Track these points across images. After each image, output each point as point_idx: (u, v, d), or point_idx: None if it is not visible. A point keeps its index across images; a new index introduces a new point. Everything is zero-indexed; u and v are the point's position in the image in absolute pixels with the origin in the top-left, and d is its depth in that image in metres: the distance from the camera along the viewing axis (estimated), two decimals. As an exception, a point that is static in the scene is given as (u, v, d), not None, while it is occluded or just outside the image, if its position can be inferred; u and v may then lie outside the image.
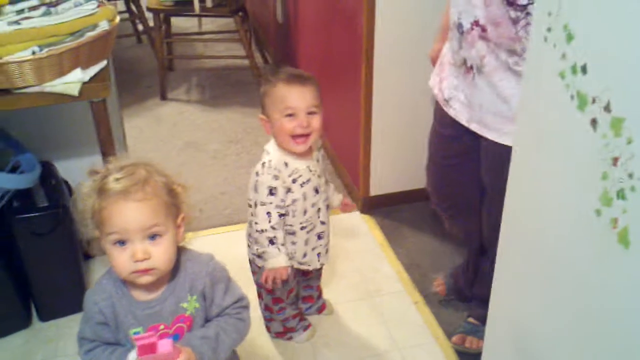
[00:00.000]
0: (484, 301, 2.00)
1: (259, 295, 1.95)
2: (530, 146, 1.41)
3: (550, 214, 1.35)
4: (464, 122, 1.72)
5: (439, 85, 1.81)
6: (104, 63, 1.75)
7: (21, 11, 1.60)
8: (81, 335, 1.33)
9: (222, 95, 3.75)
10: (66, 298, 2.08)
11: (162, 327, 1.30)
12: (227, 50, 4.24)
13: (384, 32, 2.31)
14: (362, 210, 2.66)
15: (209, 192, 2.80)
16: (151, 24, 3.98)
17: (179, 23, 4.41)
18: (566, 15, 1.22)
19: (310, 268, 1.88)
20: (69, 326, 2.06)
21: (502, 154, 1.60)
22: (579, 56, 1.19)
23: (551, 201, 1.34)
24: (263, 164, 1.70)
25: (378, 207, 2.66)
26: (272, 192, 1.68)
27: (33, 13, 1.61)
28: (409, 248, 2.46)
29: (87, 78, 1.68)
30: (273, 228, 1.70)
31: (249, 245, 1.84)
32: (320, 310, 2.12)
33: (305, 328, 2.03)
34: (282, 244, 1.72)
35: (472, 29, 1.59)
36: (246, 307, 1.40)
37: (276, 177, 1.68)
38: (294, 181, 1.70)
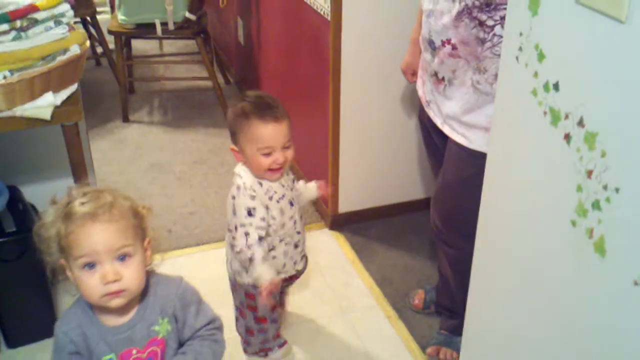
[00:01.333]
0: (450, 311, 2.06)
1: (241, 314, 1.93)
2: (504, 160, 1.46)
3: (526, 225, 1.39)
4: (438, 124, 1.84)
5: (422, 87, 1.92)
6: (74, 87, 1.74)
7: (-9, 35, 1.59)
8: None
9: (185, 116, 3.74)
10: (35, 324, 2.04)
11: (134, 351, 1.29)
12: (188, 72, 4.24)
13: (350, 51, 2.36)
14: (331, 227, 2.68)
15: (178, 213, 2.78)
16: (111, 46, 3.96)
17: (139, 45, 4.39)
18: (537, 36, 1.27)
19: (288, 275, 1.88)
20: (39, 352, 2.02)
21: (463, 156, 1.76)
22: (551, 74, 1.25)
23: (526, 213, 1.38)
24: (238, 187, 1.72)
25: (347, 224, 2.69)
26: (250, 212, 1.70)
27: (3, 37, 1.59)
28: (380, 263, 2.49)
29: (58, 102, 1.67)
30: (249, 247, 1.69)
31: (230, 263, 1.85)
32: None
33: (281, 345, 2.03)
34: (262, 258, 1.71)
35: (444, 46, 1.66)
36: (219, 328, 1.39)
37: (253, 197, 1.70)
38: (270, 198, 1.73)
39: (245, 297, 1.86)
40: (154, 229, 1.31)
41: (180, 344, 1.35)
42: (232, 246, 1.77)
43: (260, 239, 1.70)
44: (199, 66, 4.22)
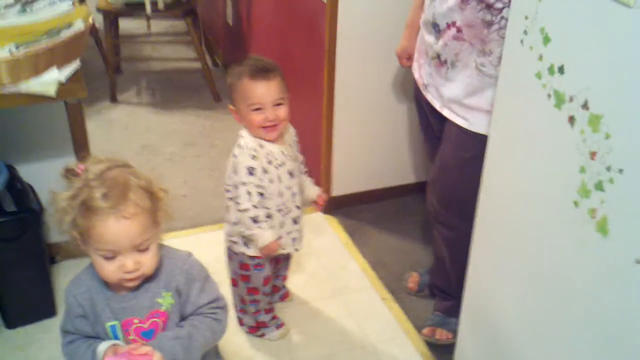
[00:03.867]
0: (445, 292, 2.09)
1: (234, 283, 1.96)
2: (507, 142, 1.49)
3: (528, 206, 1.43)
4: (437, 107, 1.85)
5: (419, 71, 1.93)
6: (78, 63, 1.73)
7: (-5, 10, 1.57)
8: (63, 328, 1.33)
9: (173, 98, 3.72)
10: (34, 304, 2.04)
11: (136, 320, 1.31)
12: (174, 52, 4.21)
13: (346, 33, 2.37)
14: (324, 211, 2.70)
15: (170, 195, 2.77)
16: (98, 25, 3.92)
17: (125, 25, 4.34)
18: (543, 19, 1.29)
19: (285, 252, 1.91)
20: (38, 332, 2.03)
21: (464, 138, 1.79)
22: (556, 57, 1.27)
23: (529, 194, 1.41)
24: (239, 145, 1.76)
25: (340, 207, 2.71)
26: (251, 172, 1.74)
27: (9, 11, 1.58)
28: (373, 246, 2.52)
29: (63, 78, 1.66)
30: (254, 207, 1.75)
31: (227, 233, 1.87)
32: (283, 297, 2.18)
33: (279, 326, 2.06)
34: (265, 221, 1.76)
35: (449, 28, 1.68)
36: (222, 307, 1.40)
37: (254, 157, 1.74)
38: (269, 162, 1.76)
39: (240, 267, 1.89)
40: (167, 205, 1.30)
41: (183, 319, 1.36)
42: (227, 208, 1.80)
43: (261, 195, 1.75)
44: (186, 47, 4.19)
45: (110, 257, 1.22)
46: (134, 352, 1.23)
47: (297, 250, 1.95)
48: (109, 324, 1.30)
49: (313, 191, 1.97)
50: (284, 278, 2.15)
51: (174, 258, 1.35)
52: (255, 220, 1.75)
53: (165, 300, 1.32)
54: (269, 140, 1.77)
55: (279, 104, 1.74)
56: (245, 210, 1.74)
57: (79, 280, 1.32)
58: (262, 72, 1.72)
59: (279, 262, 2.01)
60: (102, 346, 1.27)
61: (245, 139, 1.77)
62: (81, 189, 1.21)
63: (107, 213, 1.18)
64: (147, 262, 1.25)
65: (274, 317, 2.06)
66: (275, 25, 3.08)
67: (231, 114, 1.81)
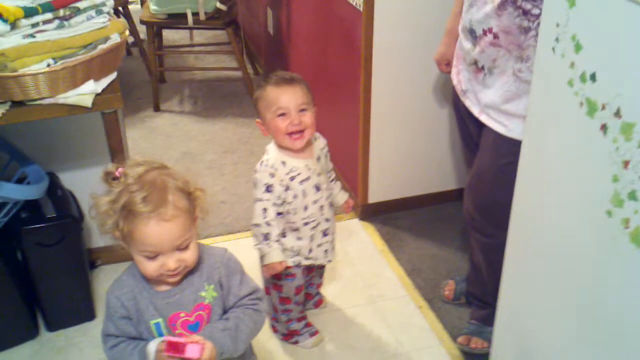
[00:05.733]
0: (482, 301, 2.07)
1: (267, 292, 1.98)
2: (539, 150, 1.46)
3: (560, 215, 1.40)
4: (475, 113, 1.85)
5: (457, 77, 1.92)
6: (114, 75, 1.78)
7: (36, 24, 1.62)
8: (105, 332, 1.36)
9: (214, 106, 3.77)
10: (73, 307, 2.10)
11: (182, 314, 1.35)
12: (217, 62, 4.28)
13: (382, 42, 2.37)
14: (361, 217, 2.70)
15: (209, 201, 2.81)
16: (142, 36, 4.02)
17: (169, 35, 4.44)
18: (574, 26, 1.27)
19: (317, 263, 1.92)
20: (78, 335, 2.08)
21: (501, 144, 1.78)
22: (587, 65, 1.25)
23: (561, 203, 1.39)
24: (261, 162, 1.79)
25: (376, 214, 2.70)
26: (268, 189, 1.76)
27: (47, 26, 1.63)
28: (410, 254, 2.50)
29: (99, 90, 1.71)
30: (268, 224, 1.77)
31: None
32: (316, 304, 2.19)
33: (312, 334, 2.07)
34: (277, 240, 1.78)
35: (485, 35, 1.67)
36: (261, 299, 1.45)
37: (272, 175, 1.76)
38: (292, 179, 1.77)
39: (272, 276, 1.91)
40: (204, 203, 1.34)
41: (224, 311, 1.40)
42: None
43: (279, 214, 1.77)
44: (228, 56, 4.26)
45: (153, 257, 1.26)
46: (188, 341, 1.26)
47: (329, 261, 1.96)
48: (153, 321, 1.34)
49: (341, 197, 1.98)
50: (318, 286, 2.15)
51: (213, 253, 1.40)
52: (266, 237, 1.77)
53: (209, 293, 1.36)
54: (295, 152, 1.78)
55: (303, 109, 1.75)
56: (257, 225, 1.78)
57: (121, 282, 1.36)
58: (285, 80, 1.76)
59: (312, 271, 2.02)
60: (153, 344, 1.30)
61: (269, 155, 1.79)
62: (121, 193, 1.24)
63: (147, 217, 1.22)
64: (188, 258, 1.29)
65: (307, 325, 2.07)
66: (313, 35, 3.10)
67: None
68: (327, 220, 1.88)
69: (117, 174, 1.27)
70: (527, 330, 1.60)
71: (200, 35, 4.60)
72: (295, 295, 1.95)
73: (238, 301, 1.40)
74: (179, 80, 4.11)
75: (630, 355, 1.23)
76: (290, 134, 1.74)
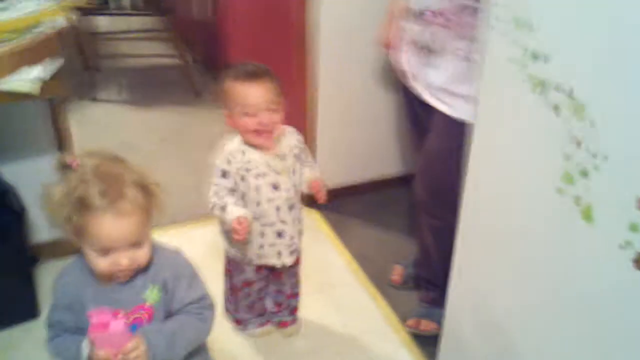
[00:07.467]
0: (430, 283, 2.10)
1: (224, 274, 1.96)
2: (490, 130, 1.48)
3: (512, 194, 1.43)
4: (424, 96, 1.86)
5: (407, 61, 1.92)
6: (61, 60, 1.70)
7: (-23, 6, 1.54)
8: (48, 322, 1.32)
9: (151, 95, 3.69)
10: (16, 306, 2.01)
11: (121, 313, 1.28)
12: (152, 49, 4.17)
13: (327, 25, 2.36)
14: (308, 204, 2.69)
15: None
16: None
17: (101, 23, 4.30)
18: (526, 7, 1.29)
19: (269, 263, 1.87)
20: (19, 335, 1.99)
21: (450, 126, 1.79)
22: (540, 46, 1.27)
23: (512, 181, 1.41)
24: (223, 148, 1.75)
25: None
26: (224, 174, 1.73)
27: (-16, 8, 1.55)
28: (357, 240, 2.51)
29: (47, 76, 1.63)
30: (221, 198, 1.72)
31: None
32: (281, 324, 2.07)
33: (262, 324, 2.04)
34: (233, 204, 1.71)
35: (434, 16, 1.68)
36: (208, 307, 1.38)
37: (229, 162, 1.73)
38: (247, 170, 1.73)
39: (226, 261, 1.90)
40: (160, 199, 1.28)
41: (168, 316, 1.34)
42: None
43: (232, 190, 1.73)
44: (162, 43, 4.16)
45: (105, 253, 1.20)
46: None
47: (284, 264, 1.87)
48: None
49: (306, 181, 1.86)
50: (289, 297, 2.03)
51: (162, 253, 1.34)
52: (223, 209, 1.71)
53: (151, 295, 1.31)
54: (258, 148, 1.73)
55: (272, 109, 1.70)
56: (213, 206, 1.72)
57: (67, 271, 1.31)
58: (253, 75, 1.70)
59: (279, 276, 1.96)
60: (86, 341, 1.25)
61: (231, 142, 1.75)
62: (77, 185, 1.18)
63: (103, 211, 1.17)
64: (141, 256, 1.25)
65: (259, 315, 2.04)
66: (254, 20, 3.06)
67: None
68: (283, 222, 1.80)
69: (72, 164, 1.21)
70: (479, 311, 1.63)
71: (135, 22, 4.47)
72: (243, 287, 1.92)
73: (183, 307, 1.34)
74: (113, 68, 4.00)
75: (587, 328, 1.27)
76: (258, 131, 1.70)
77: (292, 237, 1.85)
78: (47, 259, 2.25)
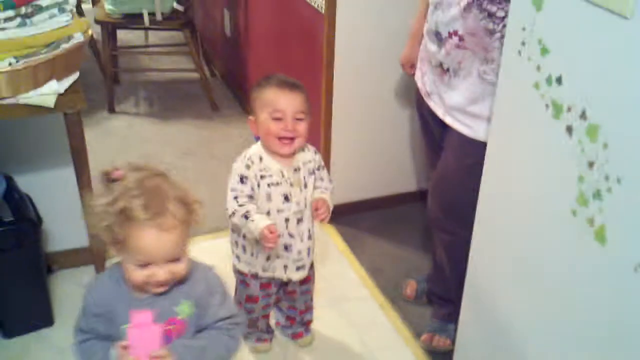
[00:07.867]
0: (444, 299, 2.10)
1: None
2: (505, 151, 1.50)
3: (526, 214, 1.43)
4: (439, 115, 1.87)
5: (422, 79, 1.95)
6: (77, 74, 1.74)
7: (-3, 22, 1.58)
8: (77, 326, 1.34)
9: (171, 108, 3.73)
10: (31, 314, 2.04)
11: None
12: (172, 63, 4.22)
13: (344, 44, 2.39)
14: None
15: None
16: (95, 36, 3.93)
17: (123, 36, 4.36)
18: (540, 30, 1.31)
19: (276, 276, 1.86)
20: (34, 342, 2.02)
21: (465, 146, 1.81)
22: (554, 68, 1.29)
23: (526, 202, 1.42)
24: (241, 154, 1.78)
25: (337, 216, 2.70)
26: (242, 180, 1.73)
27: (8, 24, 1.59)
28: (371, 254, 2.52)
29: (62, 90, 1.67)
30: (241, 205, 1.70)
31: (232, 230, 1.86)
32: (295, 335, 2.09)
33: (261, 340, 2.03)
34: (257, 213, 1.70)
35: (451, 37, 1.70)
36: (238, 324, 1.39)
37: (248, 167, 1.74)
38: (262, 177, 1.74)
39: (236, 275, 1.91)
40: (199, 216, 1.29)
41: (199, 331, 1.35)
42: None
43: (251, 197, 1.73)
44: (184, 57, 4.20)
45: (143, 266, 1.22)
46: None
47: (290, 279, 1.87)
48: (125, 326, 1.27)
49: (316, 194, 1.83)
50: (302, 312, 2.04)
51: (197, 269, 1.34)
52: (246, 216, 1.69)
53: (184, 309, 1.31)
54: (276, 156, 1.74)
55: (299, 119, 1.73)
56: (233, 213, 1.71)
57: (99, 281, 1.33)
58: (287, 84, 1.74)
59: (292, 293, 1.96)
60: (114, 351, 1.26)
61: (251, 149, 1.77)
62: (120, 196, 1.19)
63: (145, 225, 1.18)
64: (179, 271, 1.25)
65: (258, 331, 2.02)
66: (272, 36, 3.09)
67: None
68: (290, 235, 1.80)
69: (115, 175, 1.22)
70: (492, 328, 1.63)
71: (155, 36, 4.53)
72: (246, 302, 1.91)
73: (214, 323, 1.35)
74: (133, 81, 4.04)
75: (596, 348, 1.27)
76: (281, 138, 1.71)
77: (299, 252, 1.84)
78: (62, 268, 2.29)
